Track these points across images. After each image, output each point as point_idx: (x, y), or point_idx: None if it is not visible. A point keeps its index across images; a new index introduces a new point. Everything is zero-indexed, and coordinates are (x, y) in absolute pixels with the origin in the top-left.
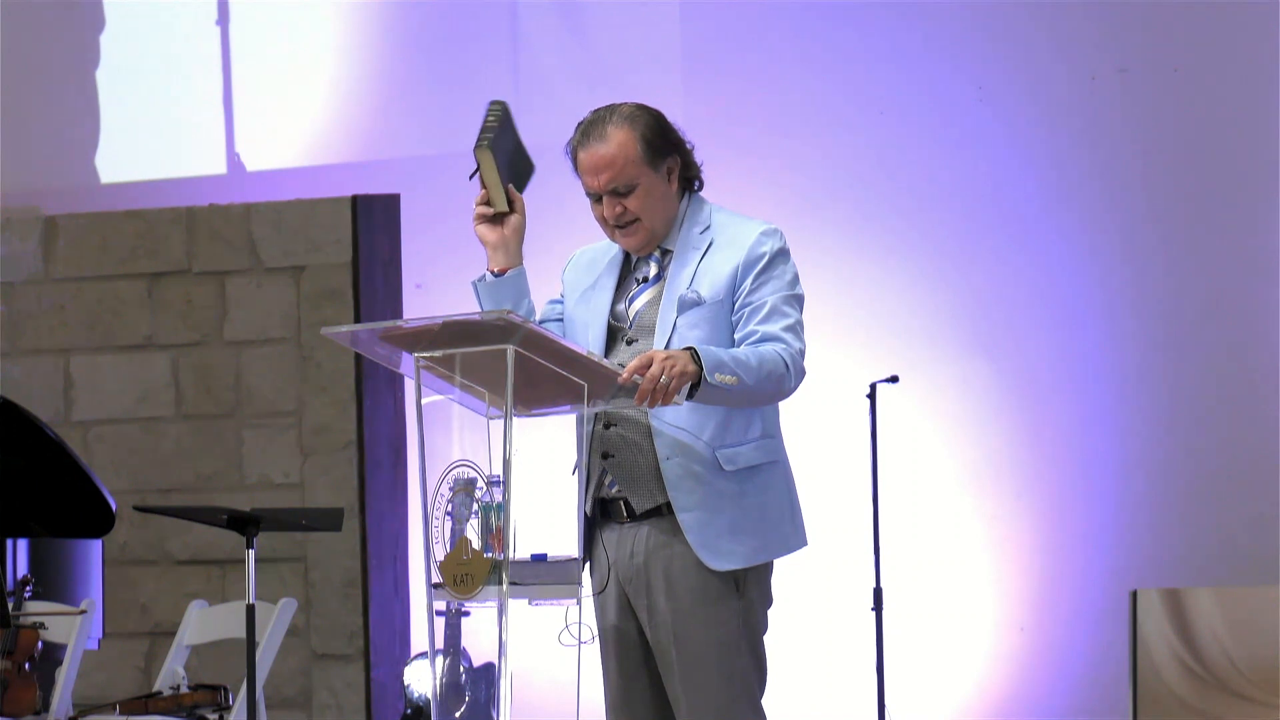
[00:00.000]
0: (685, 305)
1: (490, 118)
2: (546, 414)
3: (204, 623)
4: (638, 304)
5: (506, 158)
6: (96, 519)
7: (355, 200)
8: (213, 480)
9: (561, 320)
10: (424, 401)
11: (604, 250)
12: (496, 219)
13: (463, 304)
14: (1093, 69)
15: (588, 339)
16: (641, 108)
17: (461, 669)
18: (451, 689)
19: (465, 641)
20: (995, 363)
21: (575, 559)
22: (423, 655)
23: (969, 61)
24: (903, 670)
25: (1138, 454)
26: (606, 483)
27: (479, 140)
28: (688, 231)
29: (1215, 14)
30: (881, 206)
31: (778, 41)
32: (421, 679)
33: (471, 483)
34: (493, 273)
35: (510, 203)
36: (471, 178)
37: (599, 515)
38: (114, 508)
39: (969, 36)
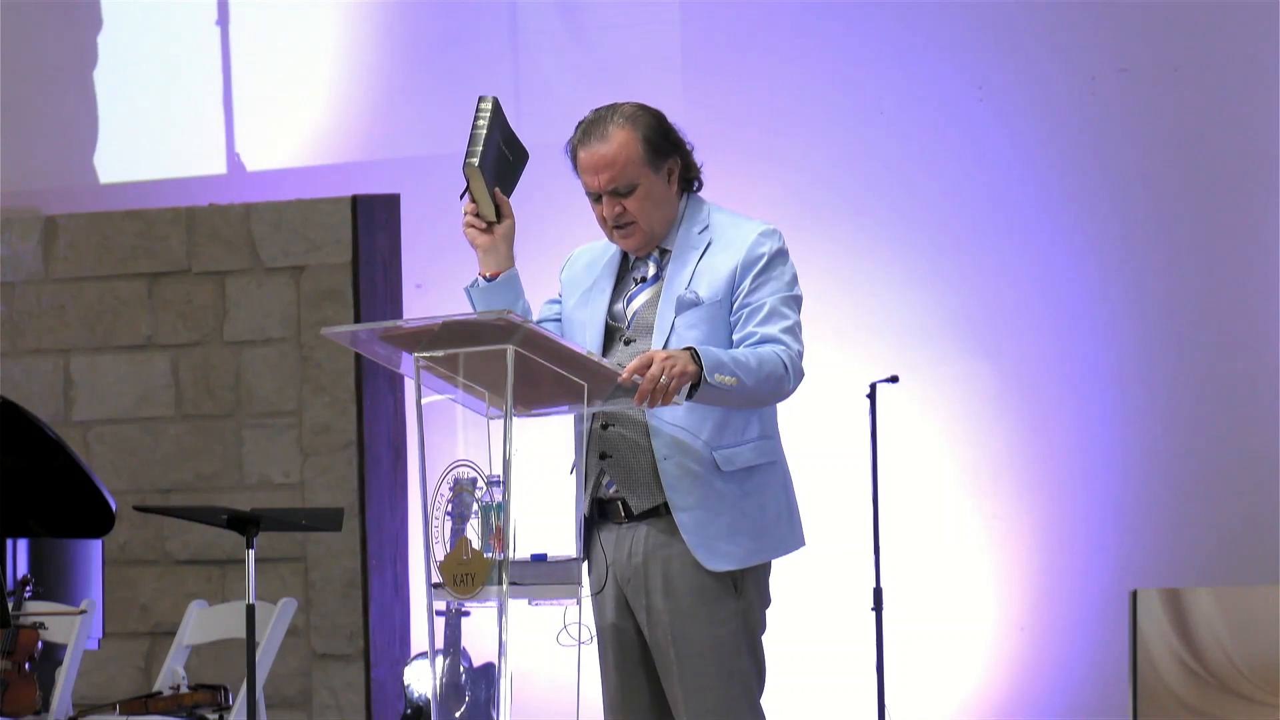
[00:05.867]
0: (683, 305)
1: (478, 122)
2: (546, 414)
3: (204, 623)
4: (636, 304)
5: (494, 161)
6: (96, 519)
7: (355, 200)
8: (213, 480)
9: (559, 320)
10: (424, 401)
11: (602, 250)
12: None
13: (463, 304)
14: (1093, 69)
15: (586, 339)
16: (643, 108)
17: (461, 669)
18: (451, 689)
19: (465, 641)
20: (995, 363)
21: (575, 559)
22: (423, 655)
23: (969, 61)
24: (903, 670)
25: (1138, 454)
26: (604, 483)
27: (467, 158)
28: (686, 231)
29: (1215, 14)
30: (881, 206)
31: (778, 41)
32: (421, 679)
33: (471, 483)
34: (484, 277)
35: (498, 209)
36: (462, 197)
37: (597, 515)
38: (114, 508)
39: (969, 36)
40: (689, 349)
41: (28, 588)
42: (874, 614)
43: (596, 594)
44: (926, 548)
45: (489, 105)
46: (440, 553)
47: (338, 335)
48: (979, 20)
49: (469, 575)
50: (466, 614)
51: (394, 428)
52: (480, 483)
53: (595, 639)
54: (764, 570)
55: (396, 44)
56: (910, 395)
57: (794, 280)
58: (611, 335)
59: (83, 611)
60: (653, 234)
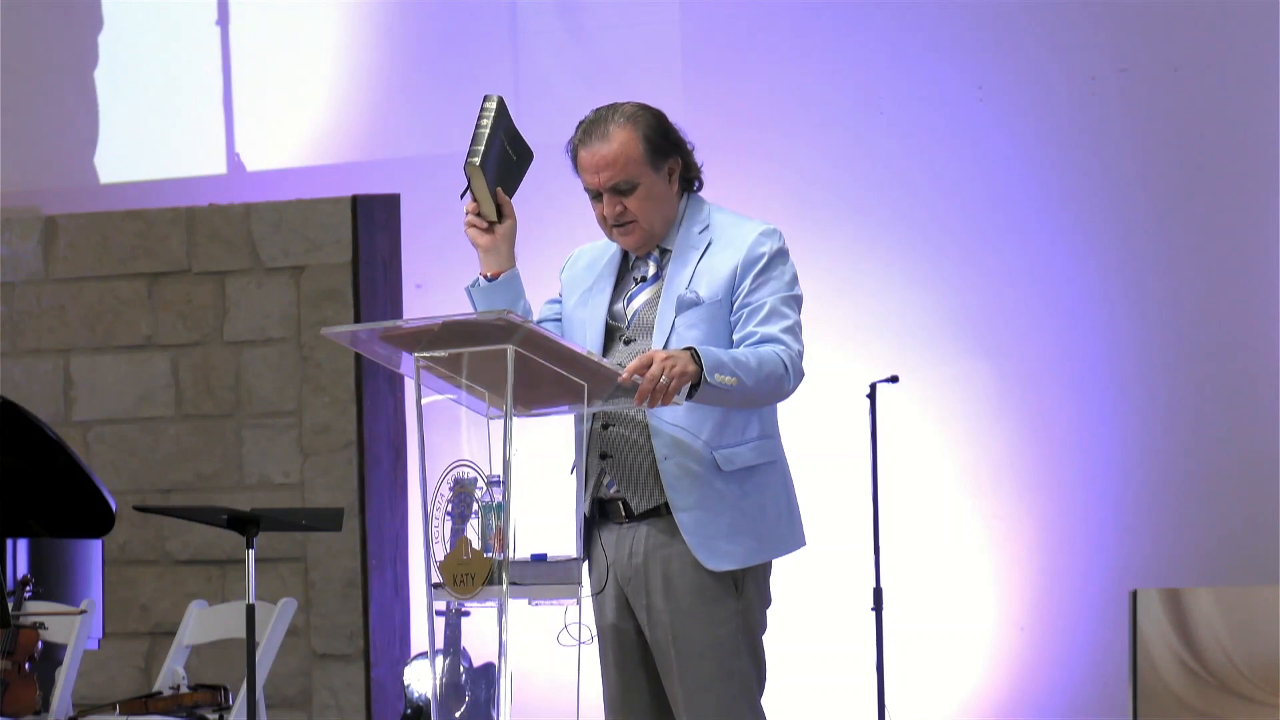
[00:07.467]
0: (684, 305)
1: (481, 121)
2: (546, 414)
3: (204, 623)
4: (636, 303)
5: (497, 161)
6: (96, 519)
7: (355, 200)
8: (213, 480)
9: (560, 320)
10: (424, 401)
11: (602, 250)
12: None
13: (463, 304)
14: (1093, 69)
15: (586, 338)
16: (644, 107)
17: (461, 669)
18: (451, 689)
19: (465, 641)
20: (995, 363)
21: (575, 559)
22: (423, 655)
23: (969, 61)
24: (903, 670)
25: (1138, 454)
26: (605, 483)
27: (469, 157)
28: (686, 231)
29: (1215, 14)
30: (881, 207)
31: (778, 41)
32: (421, 679)
33: (471, 483)
34: (485, 277)
35: (500, 209)
36: (463, 196)
37: (597, 515)
38: (114, 508)
39: (969, 36)
40: (689, 349)
41: (28, 588)
42: (874, 614)
43: (597, 594)
44: (926, 548)
45: (493, 104)
46: (440, 553)
47: (338, 335)
48: (979, 20)
49: (469, 575)
50: (466, 614)
51: (394, 428)
52: (480, 483)
53: (595, 639)
54: (764, 570)
55: (396, 44)
56: (910, 395)
57: (794, 280)
58: (612, 335)
59: (83, 611)
60: (653, 233)
